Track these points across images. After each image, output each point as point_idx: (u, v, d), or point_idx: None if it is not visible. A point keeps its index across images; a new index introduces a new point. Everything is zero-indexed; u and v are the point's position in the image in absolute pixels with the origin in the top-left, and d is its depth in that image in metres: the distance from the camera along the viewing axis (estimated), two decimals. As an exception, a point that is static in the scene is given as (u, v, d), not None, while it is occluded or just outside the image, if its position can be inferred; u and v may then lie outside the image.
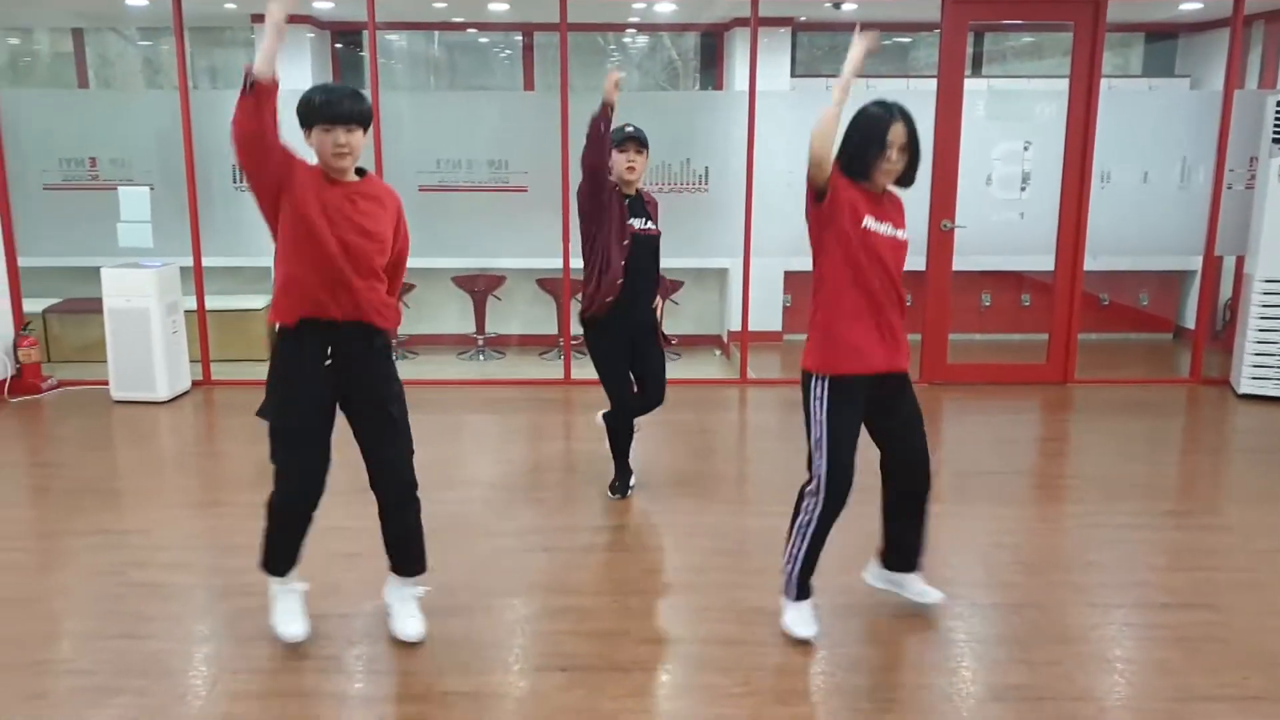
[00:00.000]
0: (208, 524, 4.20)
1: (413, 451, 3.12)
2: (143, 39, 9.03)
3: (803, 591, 3.17)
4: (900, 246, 3.04)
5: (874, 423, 3.13)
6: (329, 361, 2.91)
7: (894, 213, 3.07)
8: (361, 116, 2.82)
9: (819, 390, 3.01)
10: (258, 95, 2.67)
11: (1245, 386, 6.21)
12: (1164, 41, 8.50)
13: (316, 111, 2.78)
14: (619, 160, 4.04)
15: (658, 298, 4.27)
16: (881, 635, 3.24)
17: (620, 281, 4.04)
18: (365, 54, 6.39)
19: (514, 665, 3.03)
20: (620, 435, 4.37)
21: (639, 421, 4.40)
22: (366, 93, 3.04)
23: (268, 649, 3.11)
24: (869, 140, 2.92)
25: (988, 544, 3.99)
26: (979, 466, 4.96)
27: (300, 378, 2.92)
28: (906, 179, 3.05)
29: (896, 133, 2.91)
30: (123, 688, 2.89)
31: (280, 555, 3.18)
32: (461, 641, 3.16)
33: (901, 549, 3.29)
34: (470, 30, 8.71)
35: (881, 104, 2.95)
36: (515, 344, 7.94)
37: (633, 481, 4.47)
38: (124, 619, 3.32)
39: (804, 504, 3.09)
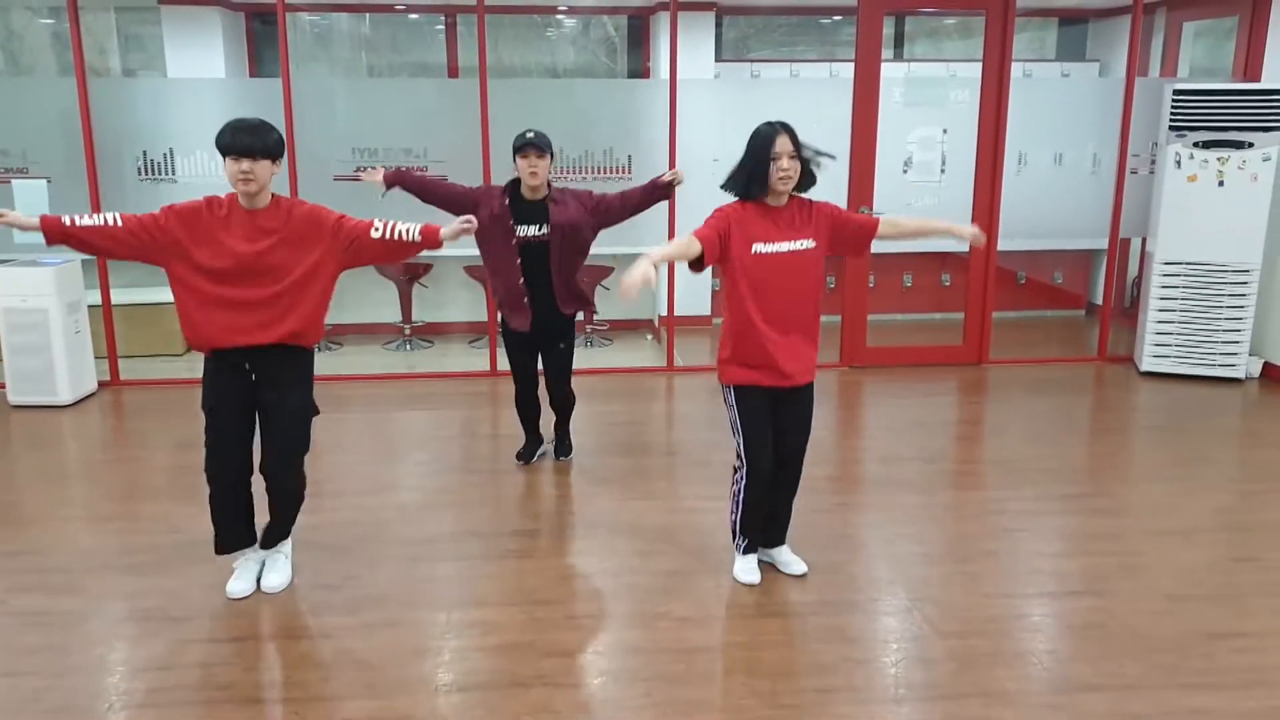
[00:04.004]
0: (106, 540, 4.08)
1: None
2: (49, 15, 8.66)
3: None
4: (804, 257, 3.38)
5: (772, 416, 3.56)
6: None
7: (797, 226, 3.40)
8: (263, 149, 3.23)
9: (731, 413, 3.52)
10: (57, 240, 3.25)
11: (1147, 364, 6.42)
12: (1075, 26, 8.65)
13: (221, 146, 3.23)
14: (520, 166, 4.23)
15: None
16: (786, 639, 3.30)
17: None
18: (296, 34, 6.20)
19: (413, 687, 3.02)
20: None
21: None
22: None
23: (156, 680, 3.05)
24: (760, 156, 3.30)
25: (893, 535, 4.08)
26: (892, 453, 5.06)
27: None
28: (804, 184, 3.41)
29: (782, 144, 3.28)
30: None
31: None
32: (364, 663, 3.15)
33: (769, 524, 3.74)
34: (398, 8, 8.50)
35: (768, 124, 3.34)
36: (447, 332, 7.88)
37: (541, 449, 4.98)
38: (1, 654, 3.21)
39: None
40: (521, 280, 4.37)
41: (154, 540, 4.05)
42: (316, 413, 3.60)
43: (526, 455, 4.91)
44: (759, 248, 3.32)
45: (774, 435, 3.53)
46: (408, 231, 3.45)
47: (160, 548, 3.98)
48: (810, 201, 3.47)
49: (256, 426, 3.51)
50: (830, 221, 3.45)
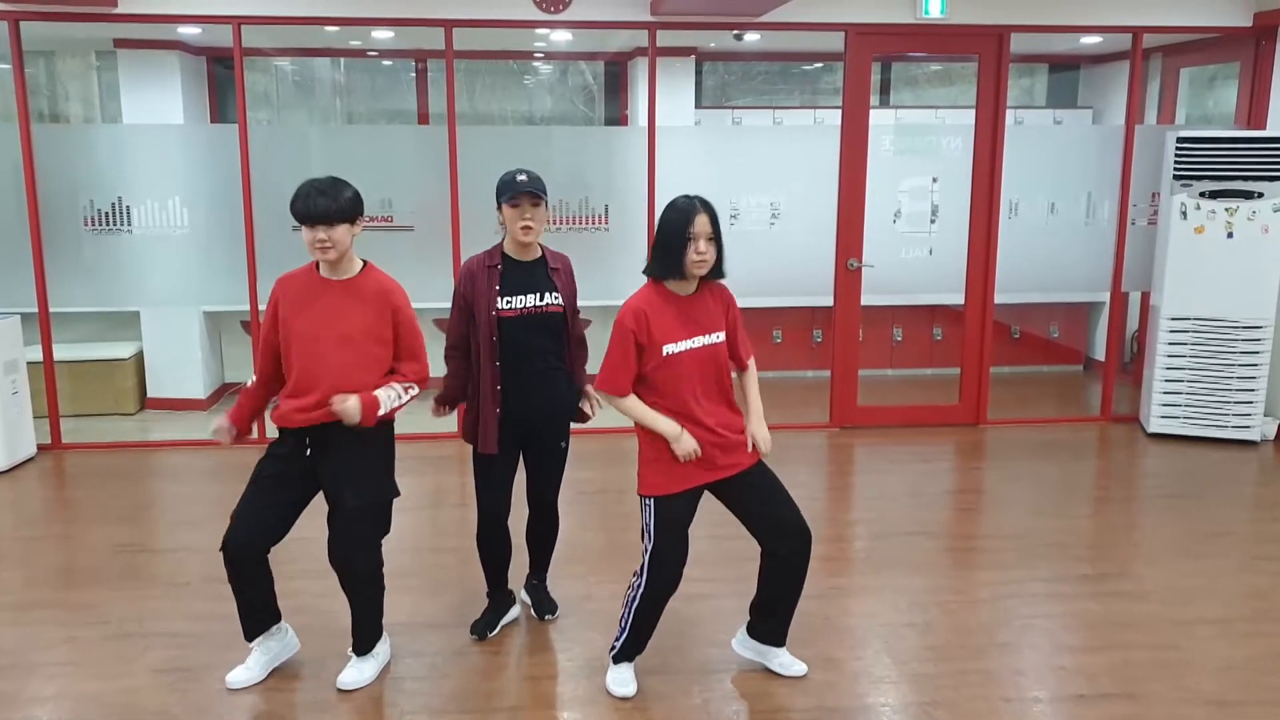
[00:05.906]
0: (23, 633, 3.64)
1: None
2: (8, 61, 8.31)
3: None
4: (714, 350, 3.09)
5: (732, 508, 3.19)
6: None
7: (709, 314, 3.10)
8: (338, 213, 2.99)
9: (646, 516, 3.13)
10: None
11: (1155, 425, 6.08)
12: (1066, 72, 8.45)
13: (296, 213, 3.01)
14: (509, 216, 3.31)
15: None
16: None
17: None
18: (263, 79, 5.88)
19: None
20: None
21: None
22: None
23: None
24: (675, 234, 2.98)
25: (897, 624, 3.70)
26: (891, 527, 4.68)
27: None
28: (716, 271, 3.09)
29: (700, 224, 2.96)
30: None
31: None
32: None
33: (771, 620, 3.30)
34: (371, 53, 8.23)
35: (686, 198, 3.02)
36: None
37: (509, 617, 3.71)
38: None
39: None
40: (496, 365, 3.36)
41: (78, 634, 3.63)
42: (396, 494, 3.28)
43: (489, 624, 3.63)
44: (669, 349, 3.00)
45: (750, 522, 3.15)
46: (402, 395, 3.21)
47: (84, 643, 3.56)
48: (722, 288, 3.17)
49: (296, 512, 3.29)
50: (732, 324, 3.17)
